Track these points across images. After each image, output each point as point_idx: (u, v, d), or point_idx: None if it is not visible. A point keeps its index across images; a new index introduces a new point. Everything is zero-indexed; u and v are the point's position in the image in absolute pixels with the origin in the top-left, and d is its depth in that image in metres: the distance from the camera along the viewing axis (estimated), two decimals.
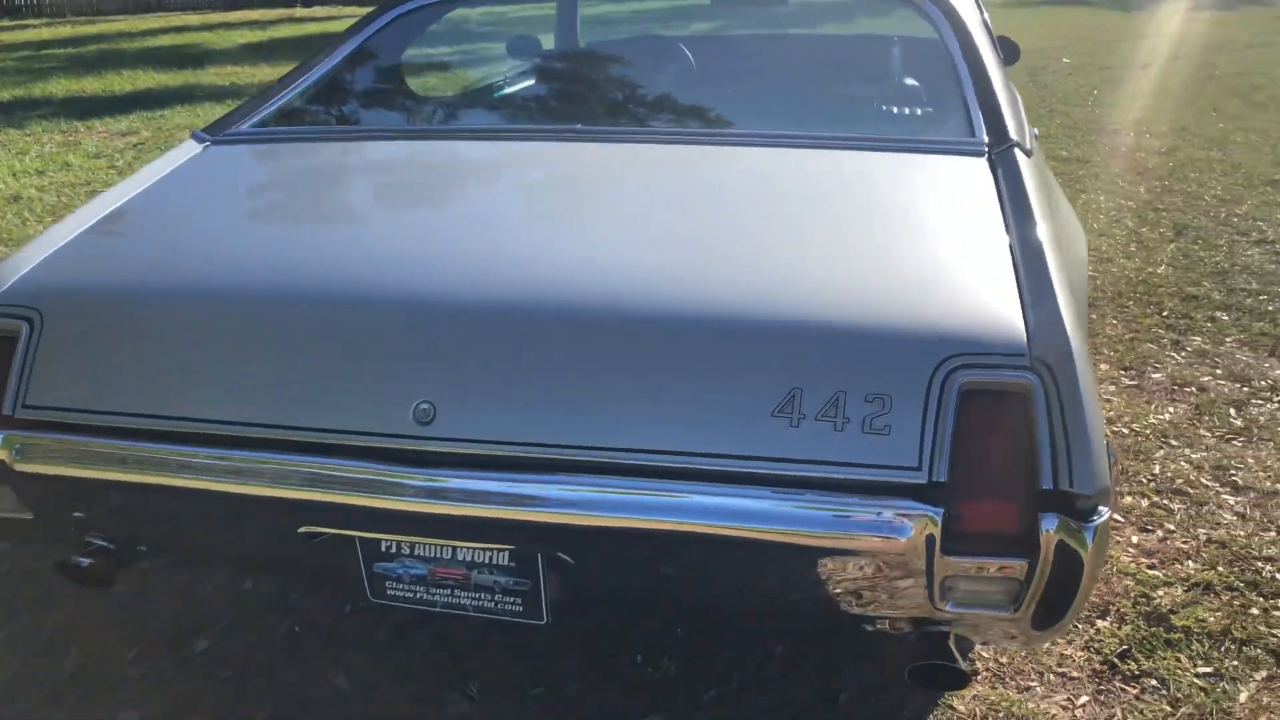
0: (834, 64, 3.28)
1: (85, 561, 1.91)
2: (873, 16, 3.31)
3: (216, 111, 8.98)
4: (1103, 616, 2.44)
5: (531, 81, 3.09)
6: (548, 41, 4.06)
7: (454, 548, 1.73)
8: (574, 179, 2.19)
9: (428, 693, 2.27)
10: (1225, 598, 2.49)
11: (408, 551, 1.76)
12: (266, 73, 11.38)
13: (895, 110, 2.66)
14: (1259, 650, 2.30)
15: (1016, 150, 2.04)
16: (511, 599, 1.74)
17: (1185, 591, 2.52)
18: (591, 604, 1.77)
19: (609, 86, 2.91)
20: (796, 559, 1.53)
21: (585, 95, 2.82)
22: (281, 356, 1.72)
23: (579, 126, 2.41)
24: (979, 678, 2.26)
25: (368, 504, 1.64)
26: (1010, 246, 1.73)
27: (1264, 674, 2.23)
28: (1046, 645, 2.34)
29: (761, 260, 1.75)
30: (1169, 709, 2.15)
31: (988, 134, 2.12)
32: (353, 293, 1.73)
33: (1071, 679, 2.26)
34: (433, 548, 1.74)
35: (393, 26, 2.77)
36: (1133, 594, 2.51)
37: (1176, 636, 2.36)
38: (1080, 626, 2.40)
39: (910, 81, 2.94)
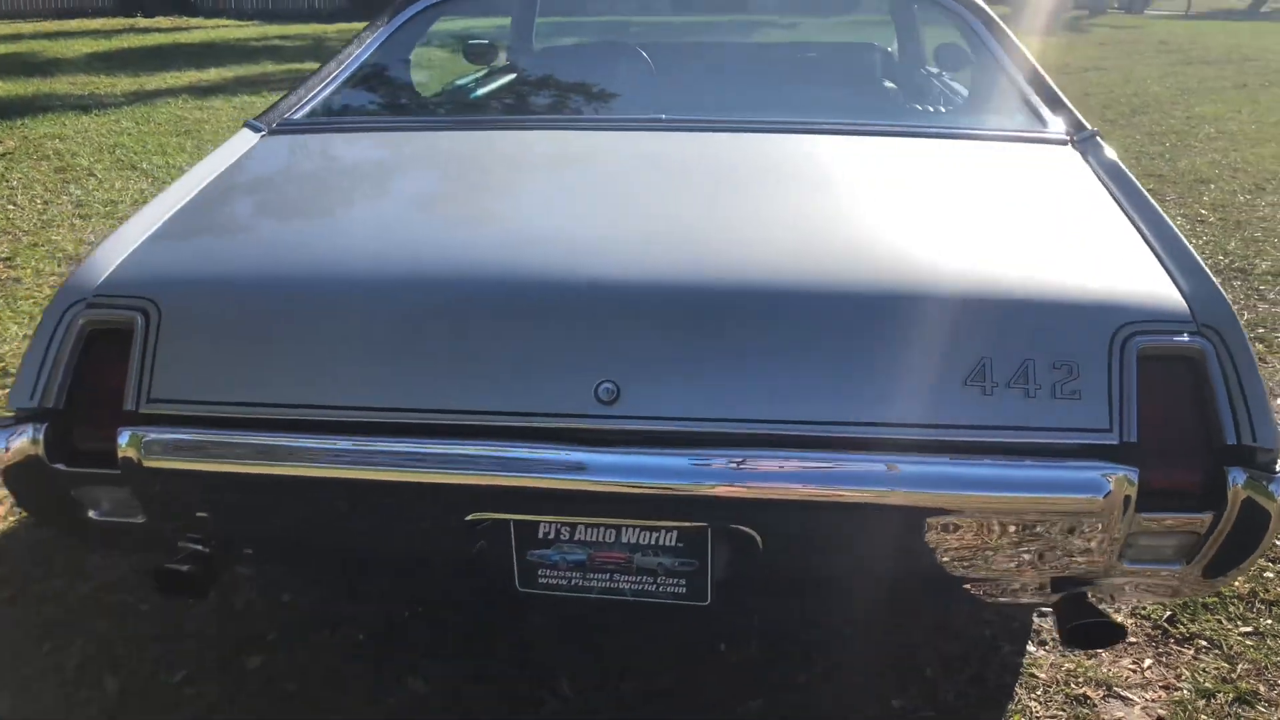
0: (891, 66, 3.35)
1: (184, 568, 1.79)
2: (911, 23, 3.41)
3: (84, 122, 8.49)
4: None
5: (585, 75, 3.06)
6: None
7: (618, 530, 1.70)
8: (695, 166, 2.18)
9: (515, 692, 2.21)
10: None
11: (567, 537, 1.71)
12: (127, 83, 10.81)
13: (964, 104, 2.75)
14: None
15: (1098, 138, 2.17)
16: (675, 580, 1.72)
17: None
18: (761, 583, 1.76)
19: (683, 78, 2.91)
20: (993, 522, 1.57)
21: (667, 85, 2.82)
22: (447, 342, 1.66)
23: (663, 116, 2.41)
24: (1048, 646, 2.36)
25: (548, 485, 1.60)
26: (1135, 223, 1.83)
27: None
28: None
29: (922, 238, 1.79)
30: (1227, 665, 2.29)
31: (1065, 124, 2.24)
32: (524, 275, 1.69)
33: (1131, 644, 2.37)
34: (595, 531, 1.70)
35: (413, 23, 2.71)
36: None
37: (1211, 600, 2.51)
38: None
39: (956, 84, 3.05)
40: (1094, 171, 2.04)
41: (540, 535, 1.72)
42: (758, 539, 1.64)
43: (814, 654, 2.32)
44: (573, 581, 1.75)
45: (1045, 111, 2.30)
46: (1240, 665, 2.29)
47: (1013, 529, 1.57)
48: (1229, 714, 2.15)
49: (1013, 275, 1.67)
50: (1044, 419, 1.54)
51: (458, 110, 2.52)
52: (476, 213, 2.00)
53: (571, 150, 2.30)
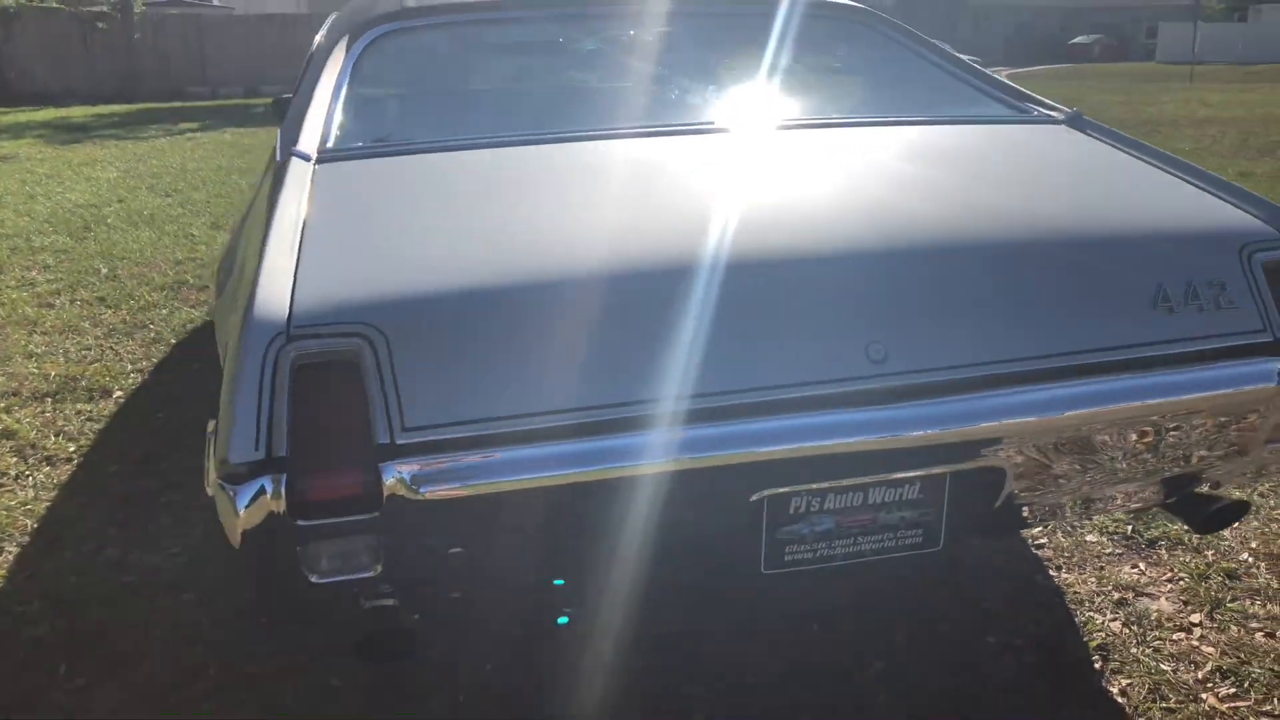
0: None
1: (389, 627, 1.64)
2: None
3: None
4: None
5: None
6: None
7: (865, 492, 1.76)
8: (812, 160, 2.25)
9: None
10: None
11: (817, 507, 1.75)
12: None
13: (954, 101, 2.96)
14: None
15: (1081, 118, 2.53)
16: (914, 531, 1.81)
17: None
18: (990, 518, 1.88)
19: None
20: (1198, 420, 1.81)
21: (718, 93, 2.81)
22: (711, 325, 1.65)
23: (713, 123, 2.48)
24: (1078, 571, 2.67)
25: (829, 451, 1.64)
26: (1174, 170, 2.18)
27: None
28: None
29: (1061, 195, 2.02)
30: (1197, 554, 2.72)
31: (1044, 109, 2.60)
32: (778, 252, 1.73)
33: (1116, 555, 2.75)
34: (844, 496, 1.75)
35: (373, 48, 2.58)
36: None
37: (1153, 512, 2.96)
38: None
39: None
40: (1100, 139, 2.39)
41: (791, 509, 1.74)
42: (1007, 471, 1.77)
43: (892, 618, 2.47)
44: (818, 552, 1.79)
45: (1022, 102, 2.64)
46: (1208, 552, 2.73)
47: (1201, 424, 1.83)
48: (1229, 586, 2.56)
49: (1149, 218, 1.95)
50: (1218, 328, 1.82)
51: (514, 128, 2.41)
52: (682, 204, 1.95)
53: (698, 152, 2.30)
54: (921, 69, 2.74)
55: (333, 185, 1.99)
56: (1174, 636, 2.39)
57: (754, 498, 1.68)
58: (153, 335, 4.91)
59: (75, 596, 2.66)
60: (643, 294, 1.67)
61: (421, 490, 1.50)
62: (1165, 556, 2.72)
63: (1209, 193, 2.05)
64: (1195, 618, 2.45)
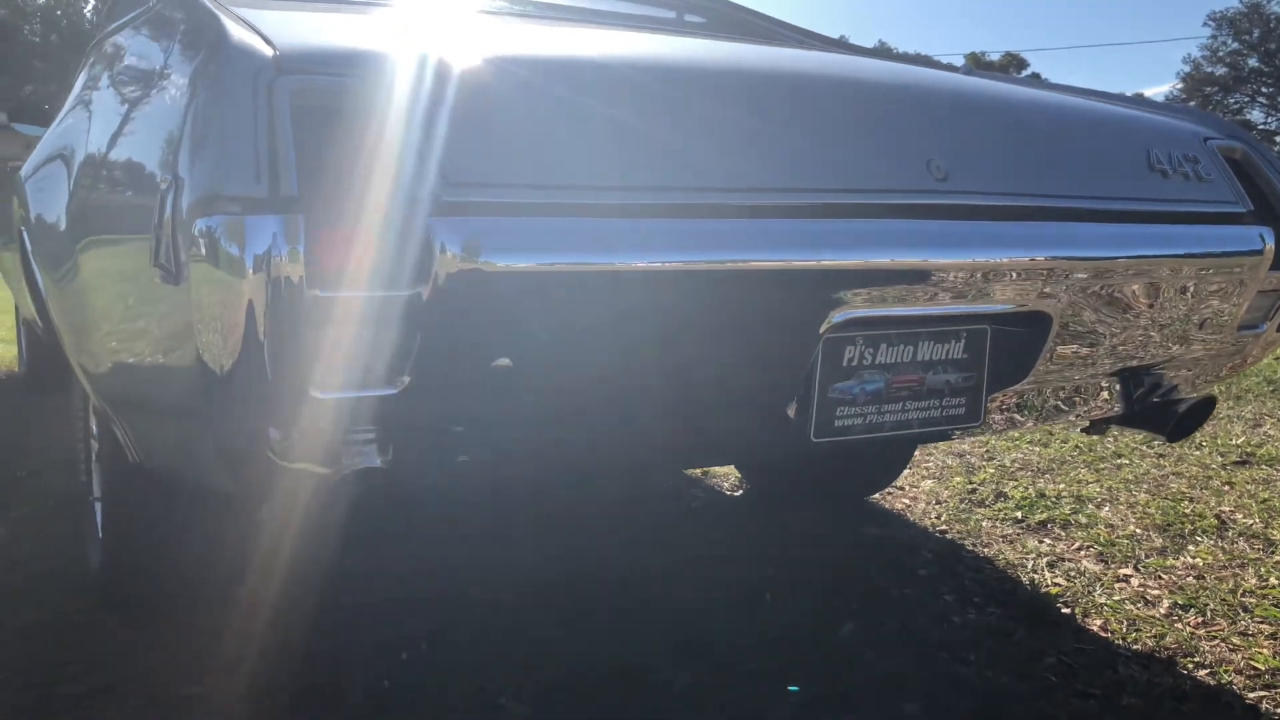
0: None
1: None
2: None
3: None
4: None
5: None
6: None
7: (915, 346, 1.57)
8: None
9: None
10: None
11: (870, 359, 1.53)
12: None
13: None
14: None
15: None
16: (958, 400, 1.63)
17: None
18: (1022, 378, 1.71)
19: None
20: (1190, 285, 1.77)
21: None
22: (782, 122, 1.43)
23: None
24: (975, 546, 2.56)
25: (895, 267, 1.45)
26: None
27: None
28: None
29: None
30: (1088, 530, 2.71)
31: None
32: None
33: (1016, 534, 2.68)
34: (895, 349, 1.55)
35: None
36: None
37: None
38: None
39: None
40: None
41: (845, 362, 1.51)
42: (1052, 318, 1.64)
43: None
44: (868, 418, 1.56)
45: None
46: (1098, 528, 2.72)
47: (1192, 290, 1.79)
48: (1136, 549, 2.54)
49: (1130, 113, 1.96)
50: (1202, 195, 1.82)
51: None
52: None
53: None
54: None
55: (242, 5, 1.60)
56: (1117, 585, 2.31)
57: (821, 328, 1.43)
58: None
59: None
60: (715, 81, 1.43)
61: (485, 258, 1.13)
62: (1062, 534, 2.67)
63: (1158, 110, 2.11)
64: (1125, 571, 2.40)
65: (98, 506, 2.17)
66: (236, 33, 1.23)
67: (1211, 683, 1.86)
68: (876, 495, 2.96)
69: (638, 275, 1.24)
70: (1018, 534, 2.66)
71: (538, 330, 1.24)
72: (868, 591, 2.26)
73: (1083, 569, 2.39)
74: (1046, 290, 1.61)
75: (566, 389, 1.32)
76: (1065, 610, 2.17)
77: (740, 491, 3.03)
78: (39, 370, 4.30)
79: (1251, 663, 1.93)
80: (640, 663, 1.87)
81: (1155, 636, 2.04)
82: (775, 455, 2.17)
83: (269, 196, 1.06)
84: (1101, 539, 2.59)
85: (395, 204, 1.11)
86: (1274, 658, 1.95)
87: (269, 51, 1.16)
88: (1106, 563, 2.45)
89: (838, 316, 1.43)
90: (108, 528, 2.00)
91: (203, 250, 1.09)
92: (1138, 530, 2.68)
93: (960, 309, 1.56)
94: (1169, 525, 2.70)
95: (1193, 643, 2.01)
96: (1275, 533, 2.65)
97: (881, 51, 2.66)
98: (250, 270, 1.05)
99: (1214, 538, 2.61)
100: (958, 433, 1.68)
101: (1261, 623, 2.11)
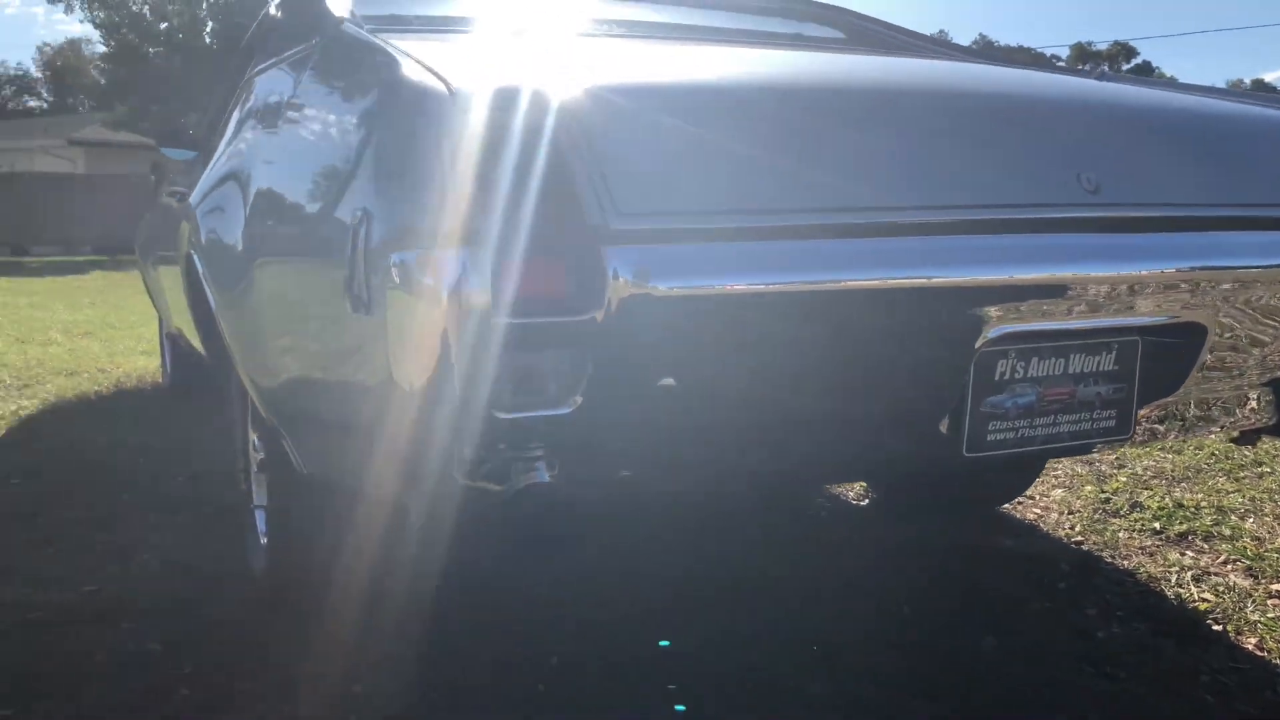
0: None
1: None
2: None
3: None
4: None
5: None
6: None
7: (1066, 358, 1.57)
8: None
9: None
10: None
11: (1021, 374, 1.54)
12: None
13: None
14: None
15: None
16: (1108, 413, 1.62)
17: None
18: (1174, 389, 1.70)
19: None
20: None
21: None
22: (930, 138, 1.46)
23: None
24: (1115, 558, 2.52)
25: (1042, 280, 1.46)
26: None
27: None
28: None
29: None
30: (1232, 542, 2.64)
31: None
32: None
33: (1156, 546, 2.63)
34: (1047, 362, 1.56)
35: None
36: None
37: None
38: None
39: None
40: None
41: (998, 376, 1.52)
42: (1208, 329, 1.62)
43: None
44: (1020, 433, 1.57)
45: None
46: (1243, 540, 2.65)
47: None
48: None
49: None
50: None
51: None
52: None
53: None
54: None
55: (410, 43, 1.69)
56: (1270, 602, 2.25)
57: (978, 343, 1.45)
58: None
59: None
60: (865, 99, 1.47)
61: (655, 284, 1.18)
62: (1205, 546, 2.61)
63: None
64: (1277, 587, 2.33)
65: (259, 514, 2.30)
66: (412, 72, 1.30)
67: None
68: (1007, 505, 2.94)
69: (798, 296, 1.28)
70: (1157, 546, 2.61)
71: (701, 350, 1.29)
72: (1006, 604, 2.25)
73: (1231, 584, 2.34)
74: (1201, 301, 1.60)
75: (727, 407, 1.37)
76: (1216, 627, 2.13)
77: (866, 501, 3.04)
78: (183, 381, 4.53)
79: None
80: (778, 671, 1.90)
81: None
82: (927, 471, 2.17)
83: (456, 230, 1.13)
84: (1249, 552, 2.53)
85: (572, 234, 1.17)
86: None
87: (445, 89, 1.23)
88: (1256, 578, 2.39)
89: (994, 331, 1.45)
90: (272, 534, 2.12)
91: (396, 282, 1.16)
92: None
93: (1113, 322, 1.56)
94: None
95: None
96: None
97: (1018, 56, 2.64)
98: (444, 300, 1.12)
99: None
100: (1106, 446, 1.67)
101: None
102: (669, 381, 1.28)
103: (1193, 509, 2.86)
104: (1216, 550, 2.57)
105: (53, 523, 2.76)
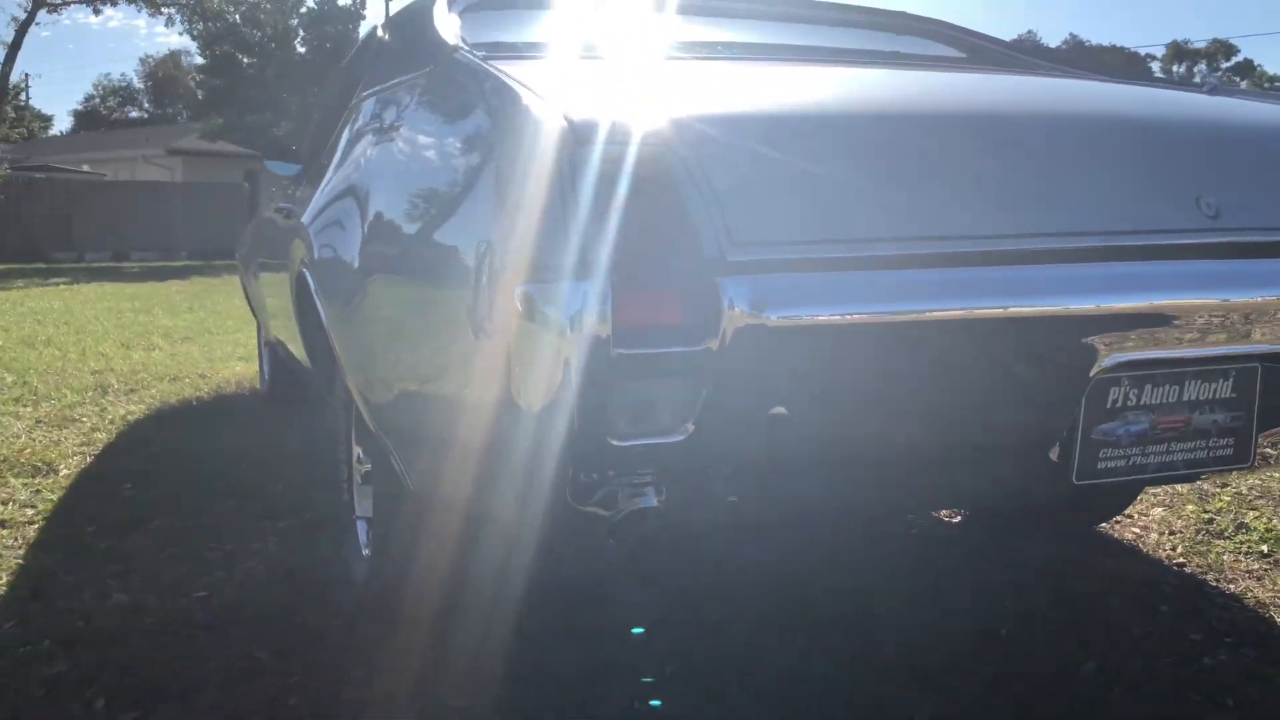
0: None
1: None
2: None
3: None
4: None
5: None
6: None
7: (1181, 386, 1.54)
8: None
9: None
10: None
11: (1134, 401, 1.51)
12: None
13: None
14: None
15: None
16: (1225, 441, 1.59)
17: None
18: None
19: None
20: None
21: None
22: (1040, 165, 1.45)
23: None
24: (1219, 581, 2.46)
25: (1160, 308, 1.43)
26: None
27: None
28: None
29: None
30: None
31: None
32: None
33: (1264, 569, 2.55)
34: (1161, 389, 1.53)
35: None
36: None
37: None
38: None
39: None
40: None
41: (1109, 403, 1.50)
42: None
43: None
44: (1131, 460, 1.54)
45: None
46: None
47: None
48: None
49: None
50: None
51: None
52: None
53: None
54: None
55: (525, 70, 1.72)
56: None
57: (1092, 372, 1.43)
58: (88, 426, 4.35)
59: (91, 637, 2.14)
60: (978, 122, 1.46)
61: (770, 314, 1.19)
62: None
63: None
64: None
65: (360, 525, 2.36)
66: (531, 104, 1.33)
67: None
68: (1104, 525, 2.88)
69: (911, 325, 1.28)
70: (1265, 569, 2.54)
71: (813, 378, 1.29)
72: (1107, 627, 2.21)
73: None
74: None
75: (838, 437, 1.37)
76: None
77: (959, 517, 3.00)
78: (280, 389, 4.66)
79: None
80: (881, 693, 1.89)
81: None
82: (1036, 499, 2.14)
83: (579, 263, 1.16)
84: None
85: (689, 266, 1.19)
86: None
87: (565, 123, 1.26)
88: None
89: (1109, 360, 1.43)
90: (375, 545, 2.18)
91: (520, 310, 1.19)
92: None
93: (1232, 350, 1.52)
94: None
95: None
96: None
97: (1111, 57, 2.56)
98: (566, 331, 1.15)
99: None
100: (1222, 473, 1.63)
101: None
102: (780, 410, 1.29)
103: None
104: None
105: (164, 529, 2.87)
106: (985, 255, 1.35)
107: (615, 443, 1.22)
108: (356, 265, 1.88)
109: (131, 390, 5.23)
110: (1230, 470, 1.62)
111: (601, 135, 1.25)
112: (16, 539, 2.79)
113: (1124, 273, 1.41)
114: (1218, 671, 2.00)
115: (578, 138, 1.24)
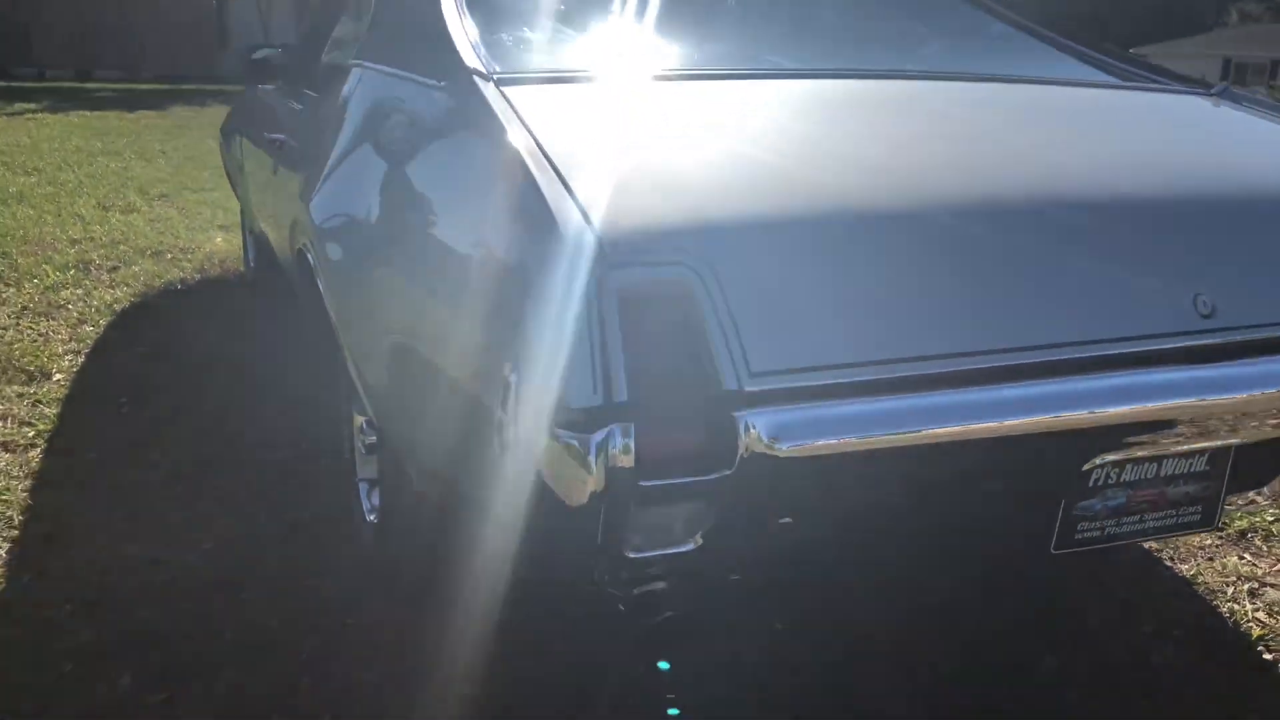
0: None
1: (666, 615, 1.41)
2: None
3: None
4: None
5: None
6: None
7: (1159, 464, 1.63)
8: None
9: None
10: None
11: (1114, 480, 1.60)
12: None
13: None
14: None
15: (1232, 90, 2.47)
16: (1194, 508, 1.69)
17: None
18: (1265, 483, 1.77)
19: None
20: None
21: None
22: (1039, 273, 1.48)
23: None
24: (1174, 560, 2.62)
25: (1150, 415, 1.50)
26: None
27: None
28: None
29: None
30: None
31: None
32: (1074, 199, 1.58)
33: (1215, 545, 2.71)
34: (1140, 468, 1.62)
35: None
36: None
37: None
38: None
39: None
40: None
41: (1091, 483, 1.59)
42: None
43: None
44: (1106, 530, 1.64)
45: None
46: None
47: None
48: None
49: None
50: None
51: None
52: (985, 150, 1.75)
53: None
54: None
55: (543, 111, 1.70)
56: None
57: (1085, 467, 1.51)
58: (75, 316, 4.37)
59: (109, 598, 2.25)
60: (977, 233, 1.48)
61: (781, 445, 1.26)
62: (1264, 548, 2.69)
63: None
64: None
65: (363, 488, 2.44)
66: (569, 221, 1.32)
67: None
68: None
69: (911, 448, 1.35)
70: (1217, 547, 2.69)
71: (816, 495, 1.37)
72: (1065, 614, 2.35)
73: None
74: None
75: (833, 546, 1.46)
76: (1268, 656, 2.23)
77: None
78: (264, 281, 4.64)
79: None
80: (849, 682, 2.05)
81: None
82: (1015, 568, 2.27)
83: (604, 405, 1.21)
84: None
85: (710, 403, 1.25)
86: None
87: (599, 248, 1.28)
88: None
89: (1095, 459, 1.51)
90: (382, 516, 2.26)
91: (548, 445, 1.25)
92: None
93: (1214, 444, 1.60)
94: None
95: None
96: None
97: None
98: (593, 466, 1.21)
99: None
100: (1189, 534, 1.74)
101: None
102: (786, 520, 1.38)
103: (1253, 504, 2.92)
104: (1275, 554, 2.65)
105: (165, 459, 2.95)
106: (981, 373, 1.40)
107: (631, 555, 1.31)
108: (375, 321, 1.87)
109: (114, 268, 5.22)
110: (1196, 533, 1.73)
111: (635, 259, 1.29)
112: (21, 469, 2.86)
113: (1116, 385, 1.46)
114: (1164, 674, 2.16)
115: (610, 262, 1.27)
